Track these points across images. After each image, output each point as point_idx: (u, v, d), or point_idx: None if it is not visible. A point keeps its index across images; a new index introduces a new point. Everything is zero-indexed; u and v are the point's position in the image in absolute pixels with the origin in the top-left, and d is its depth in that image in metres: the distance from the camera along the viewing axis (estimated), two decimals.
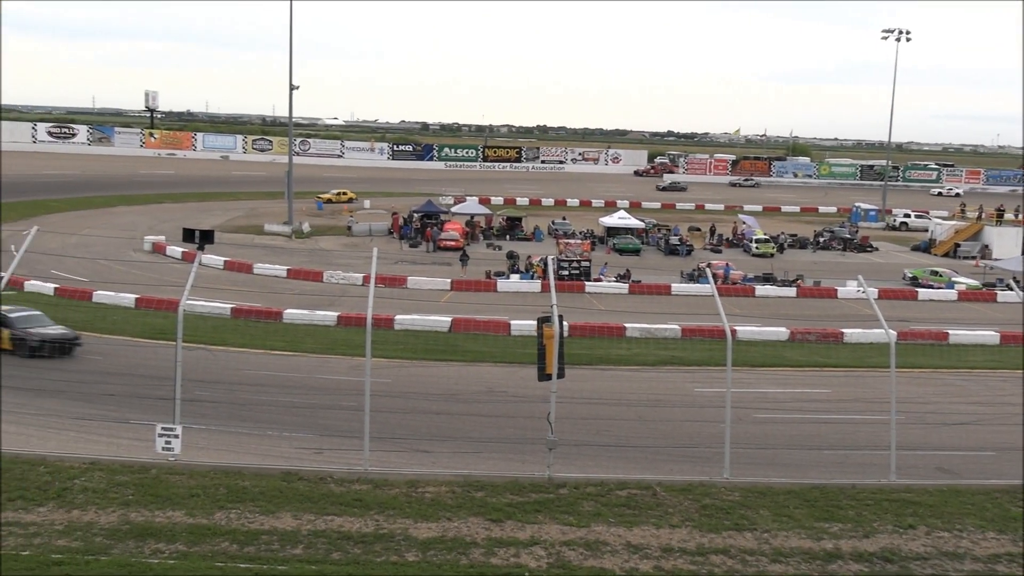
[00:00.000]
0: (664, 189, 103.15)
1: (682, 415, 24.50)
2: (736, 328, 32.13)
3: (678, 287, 45.90)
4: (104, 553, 13.76)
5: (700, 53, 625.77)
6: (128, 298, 36.58)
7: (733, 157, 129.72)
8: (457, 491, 16.91)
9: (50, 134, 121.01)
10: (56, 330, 28.53)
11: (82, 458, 17.95)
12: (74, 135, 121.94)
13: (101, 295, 37.25)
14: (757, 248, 59.54)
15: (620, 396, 25.94)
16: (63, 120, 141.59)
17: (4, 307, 28.08)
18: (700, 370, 29.53)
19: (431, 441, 20.95)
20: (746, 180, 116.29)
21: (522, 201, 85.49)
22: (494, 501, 16.45)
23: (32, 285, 37.67)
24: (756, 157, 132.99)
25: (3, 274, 19.90)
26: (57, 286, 38.29)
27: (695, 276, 48.37)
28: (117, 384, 24.99)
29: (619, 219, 63.19)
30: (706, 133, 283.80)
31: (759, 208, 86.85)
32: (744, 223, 66.33)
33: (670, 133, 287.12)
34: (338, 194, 78.82)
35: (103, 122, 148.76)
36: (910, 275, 51.87)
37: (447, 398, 25.17)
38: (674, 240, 59.99)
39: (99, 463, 17.69)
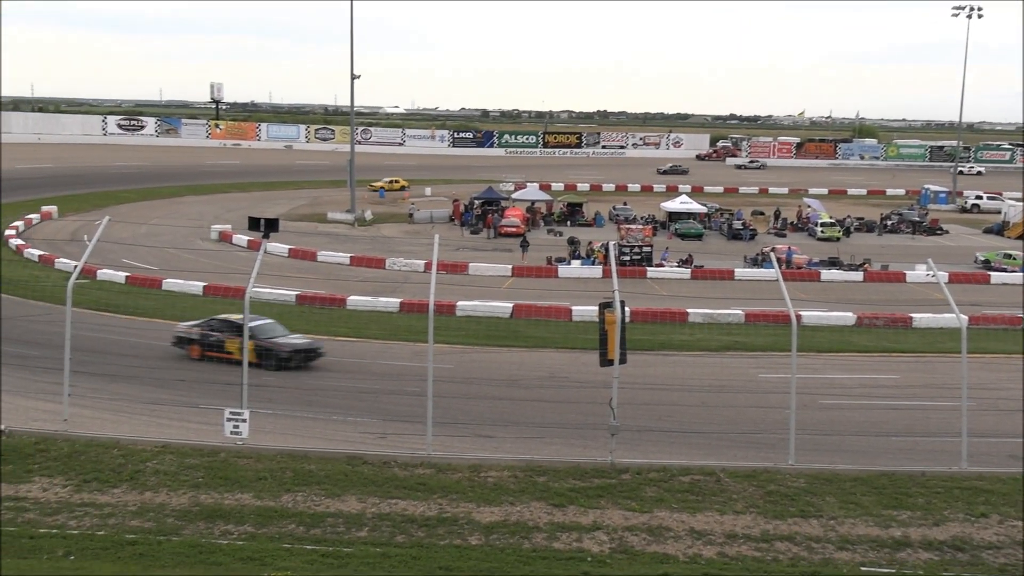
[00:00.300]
0: (665, 172, 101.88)
1: (746, 401, 24.23)
2: (801, 313, 31.65)
3: (741, 272, 45.35)
4: (175, 534, 14.11)
5: (764, 34, 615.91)
6: (196, 286, 37.32)
7: (797, 139, 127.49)
8: (519, 476, 16.98)
9: (120, 127, 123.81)
10: (298, 339, 27.00)
11: (154, 441, 18.42)
12: (143, 127, 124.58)
13: (170, 283, 38.05)
14: (823, 232, 58.50)
15: (682, 382, 25.75)
16: (132, 113, 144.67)
17: (233, 315, 26.35)
18: (764, 356, 29.17)
19: (493, 426, 21.04)
20: (751, 163, 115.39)
21: (583, 187, 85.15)
22: (556, 486, 16.49)
23: (104, 274, 38.62)
24: (821, 139, 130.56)
25: (77, 263, 20.46)
26: (128, 274, 39.20)
27: (759, 261, 47.73)
28: (186, 370, 25.54)
29: (681, 204, 62.57)
30: (769, 116, 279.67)
31: (824, 191, 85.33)
32: (809, 206, 65.21)
33: (732, 116, 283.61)
34: (390, 182, 79.18)
35: (170, 114, 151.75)
36: (982, 258, 50.48)
37: (509, 384, 25.24)
38: (737, 224, 59.22)
39: (170, 446, 18.13)
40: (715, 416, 22.80)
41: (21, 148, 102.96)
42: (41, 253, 43.92)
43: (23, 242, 46.98)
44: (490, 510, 15.34)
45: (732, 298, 37.30)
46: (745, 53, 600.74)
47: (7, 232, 49.05)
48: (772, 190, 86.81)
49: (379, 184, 77.44)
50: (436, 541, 14.14)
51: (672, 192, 78.95)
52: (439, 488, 16.23)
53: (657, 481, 16.88)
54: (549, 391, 24.57)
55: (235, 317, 25.98)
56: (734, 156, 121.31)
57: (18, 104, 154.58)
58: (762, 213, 65.78)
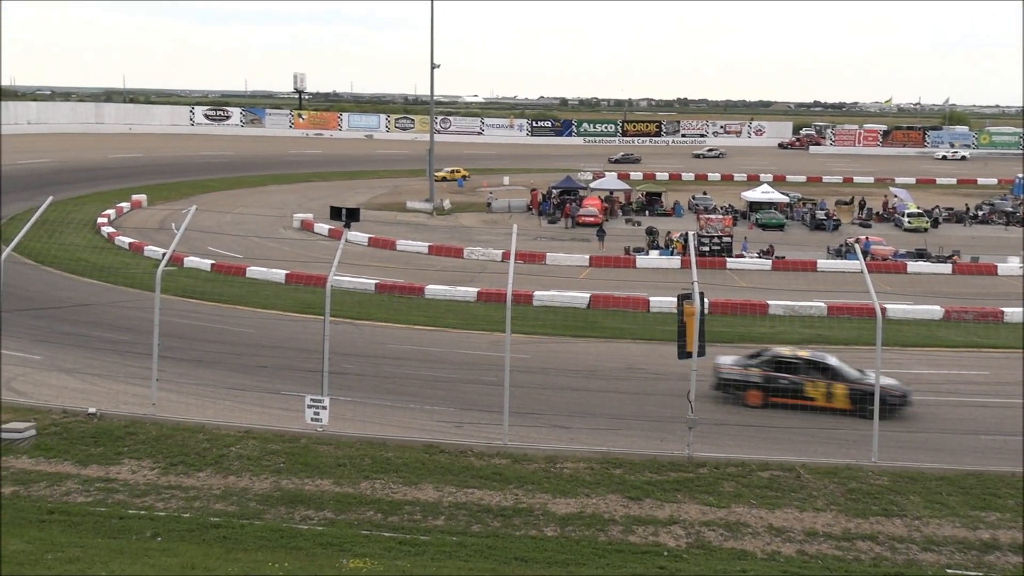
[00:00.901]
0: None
1: None
2: (886, 306, 30.88)
3: (824, 263, 44.42)
4: (257, 518, 14.42)
5: (848, 17, 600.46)
6: (279, 274, 38.08)
7: (884, 127, 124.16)
8: (595, 467, 16.94)
9: (207, 117, 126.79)
10: (885, 380, 20.27)
11: (237, 427, 18.85)
12: (228, 117, 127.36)
13: (254, 271, 38.87)
14: (909, 223, 56.93)
15: None
16: (218, 103, 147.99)
17: (785, 349, 23.57)
18: (847, 349, 28.46)
19: (569, 417, 21.02)
20: (710, 151, 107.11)
21: (662, 176, 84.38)
22: (633, 479, 16.40)
23: (191, 261, 39.64)
24: (909, 127, 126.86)
25: (166, 251, 21.03)
26: (213, 262, 40.17)
27: (842, 252, 46.69)
28: (269, 356, 26.09)
29: (762, 193, 61.55)
30: (855, 103, 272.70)
31: (912, 180, 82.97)
32: (896, 196, 63.52)
33: (816, 103, 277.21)
34: (452, 171, 78.82)
35: (255, 104, 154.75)
36: None
37: (585, 374, 25.18)
38: (820, 214, 57.99)
39: (253, 432, 18.53)
40: (794, 411, 22.38)
41: (114, 138, 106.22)
42: (131, 241, 45.26)
43: (114, 230, 48.48)
44: (566, 501, 15.34)
45: (814, 290, 36.55)
46: (830, 37, 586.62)
47: (99, 220, 50.64)
48: (857, 179, 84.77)
49: (440, 174, 76.92)
50: (512, 531, 14.19)
51: (753, 181, 77.68)
52: (515, 478, 16.28)
53: (735, 476, 16.66)
54: (626, 383, 24.45)
55: (801, 353, 23.28)
56: (818, 144, 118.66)
57: (111, 95, 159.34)
58: (847, 203, 64.33)
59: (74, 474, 16.18)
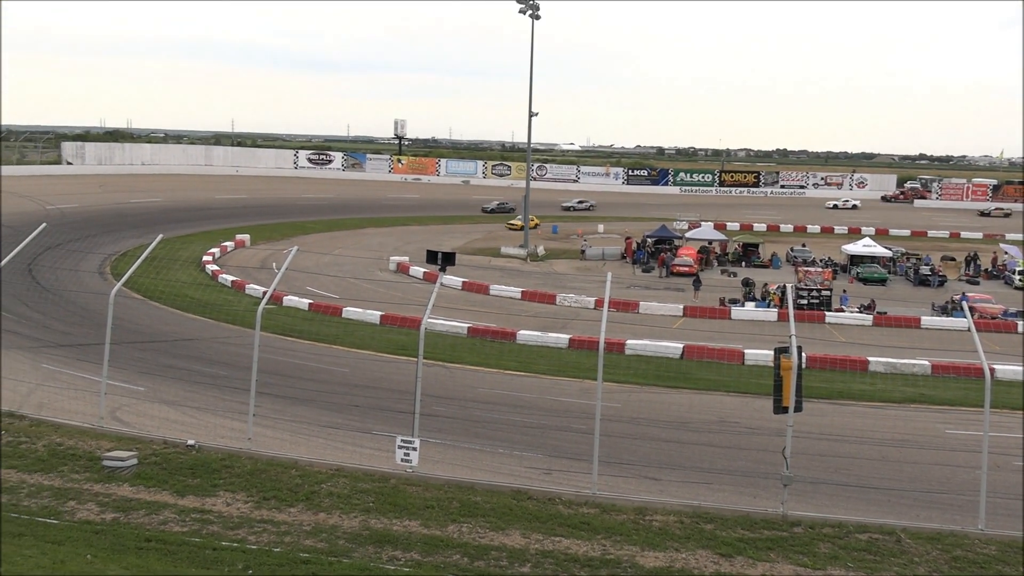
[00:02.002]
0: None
1: (931, 458, 22.82)
2: (995, 366, 29.66)
3: (929, 320, 43.03)
4: (346, 556, 14.52)
5: (957, 63, 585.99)
6: (374, 315, 38.70)
7: (995, 182, 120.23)
8: (686, 521, 16.58)
9: (310, 160, 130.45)
10: None
11: (329, 464, 19.08)
12: (330, 161, 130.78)
13: (350, 311, 39.59)
14: (1021, 280, 54.79)
15: (861, 433, 24.54)
16: (321, 147, 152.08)
17: None
18: (952, 410, 27.47)
19: (660, 469, 20.68)
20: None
21: (759, 227, 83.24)
22: (724, 535, 15.99)
23: (289, 300, 40.61)
24: (1022, 181, 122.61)
25: (266, 289, 21.60)
26: (311, 301, 41.07)
27: (948, 309, 45.15)
28: (362, 396, 26.42)
29: (864, 247, 60.13)
30: (963, 156, 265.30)
31: (1021, 237, 79.99)
32: (1006, 253, 61.29)
33: (922, 156, 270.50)
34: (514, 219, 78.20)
35: (356, 149, 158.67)
36: None
37: (677, 426, 24.78)
38: (925, 270, 56.31)
39: (344, 470, 18.73)
40: (896, 472, 21.58)
41: (221, 180, 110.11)
42: (234, 279, 46.65)
43: (218, 268, 50.07)
44: (654, 555, 15.03)
45: (917, 348, 35.39)
46: (937, 85, 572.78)
47: (204, 258, 52.38)
48: (964, 235, 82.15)
49: (513, 222, 77.01)
50: None
51: (855, 235, 75.96)
52: (603, 529, 16.04)
53: (832, 537, 16.09)
54: (719, 436, 23.96)
55: None
56: (923, 198, 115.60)
57: (219, 138, 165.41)
58: (952, 259, 62.36)
59: (172, 504, 16.58)
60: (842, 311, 44.63)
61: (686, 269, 55.24)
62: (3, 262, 22.64)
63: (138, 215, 67.06)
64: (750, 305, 45.65)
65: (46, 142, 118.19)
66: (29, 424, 20.92)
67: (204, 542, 14.76)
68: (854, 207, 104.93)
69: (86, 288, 40.94)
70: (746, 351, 33.36)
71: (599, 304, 42.04)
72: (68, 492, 17.13)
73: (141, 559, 13.31)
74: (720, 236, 65.46)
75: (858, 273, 56.13)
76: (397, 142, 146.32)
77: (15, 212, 64.39)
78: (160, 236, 22.50)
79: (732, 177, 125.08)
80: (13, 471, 18.25)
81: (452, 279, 48.32)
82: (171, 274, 44.62)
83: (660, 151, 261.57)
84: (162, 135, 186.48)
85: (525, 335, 36.03)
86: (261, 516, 16.12)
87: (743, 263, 61.00)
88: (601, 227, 78.09)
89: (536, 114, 64.31)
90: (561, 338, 35.61)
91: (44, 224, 24.17)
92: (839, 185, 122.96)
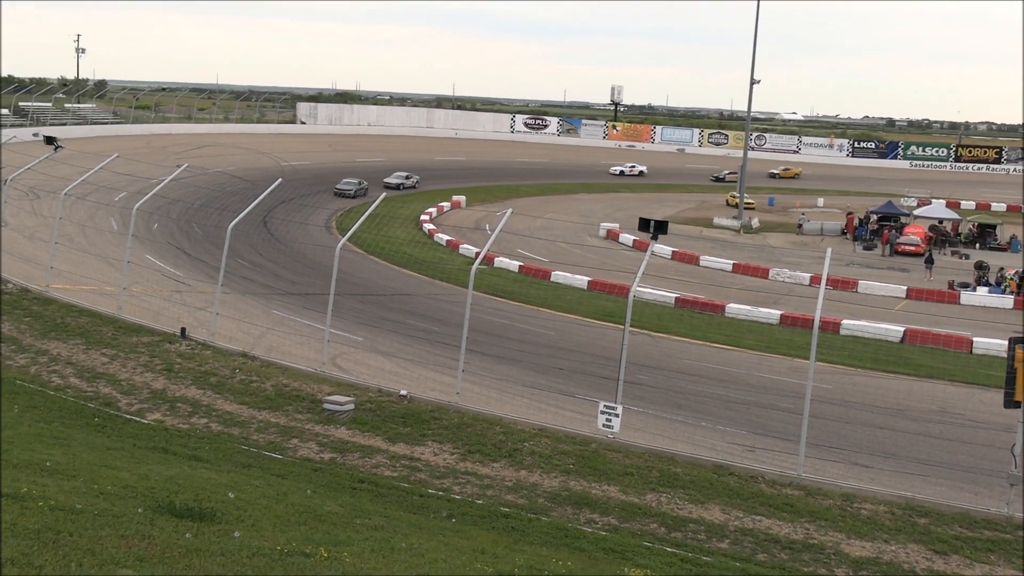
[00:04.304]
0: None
1: None
2: None
3: None
4: (545, 514, 14.81)
5: None
6: (582, 280, 38.94)
7: None
8: (897, 513, 15.81)
9: (526, 125, 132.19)
10: None
11: (532, 423, 19.47)
12: (546, 126, 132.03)
13: (558, 275, 40.01)
14: None
15: None
16: (537, 112, 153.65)
17: None
18: None
19: (872, 456, 19.75)
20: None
21: (998, 207, 77.15)
22: (939, 531, 15.13)
23: (500, 262, 41.49)
24: None
25: (479, 250, 22.19)
26: (521, 264, 41.80)
27: None
28: (566, 359, 26.71)
29: None
30: None
31: None
32: None
33: None
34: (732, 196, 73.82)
35: (572, 114, 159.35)
36: None
37: (893, 413, 23.55)
38: None
39: (546, 430, 19.06)
40: None
41: (440, 142, 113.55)
42: (448, 238, 48.15)
43: (434, 227, 51.82)
44: (861, 544, 14.44)
45: None
46: None
47: (422, 217, 54.39)
48: None
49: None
50: (799, 567, 13.57)
51: None
52: (807, 512, 15.56)
53: None
54: (938, 427, 22.58)
55: None
56: None
57: (441, 102, 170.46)
58: None
59: (383, 449, 17.46)
60: None
61: (912, 248, 52.14)
62: (241, 215, 24.47)
63: (361, 173, 70.25)
64: (983, 290, 42.54)
65: (283, 103, 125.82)
66: (260, 365, 22.56)
67: (412, 488, 15.46)
68: None
69: (314, 241, 43.45)
70: (975, 339, 31.18)
71: (815, 281, 40.42)
72: (292, 430, 18.40)
73: (354, 499, 14.10)
74: (953, 215, 61.23)
75: None
76: (613, 108, 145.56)
77: (254, 167, 69.13)
78: (383, 194, 23.54)
79: (970, 152, 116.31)
80: (244, 407, 19.78)
81: (662, 248, 47.78)
82: (390, 231, 46.60)
83: (890, 122, 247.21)
84: (387, 97, 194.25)
85: (734, 308, 35.23)
86: (465, 468, 16.69)
87: (977, 245, 56.85)
88: (821, 201, 74.90)
89: (758, 81, 62.29)
90: (772, 313, 34.56)
91: (279, 180, 25.83)
92: None
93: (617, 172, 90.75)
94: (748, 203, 67.26)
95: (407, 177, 72.84)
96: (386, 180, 72.58)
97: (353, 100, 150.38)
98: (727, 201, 72.35)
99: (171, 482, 11.35)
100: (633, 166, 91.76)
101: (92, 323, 25.36)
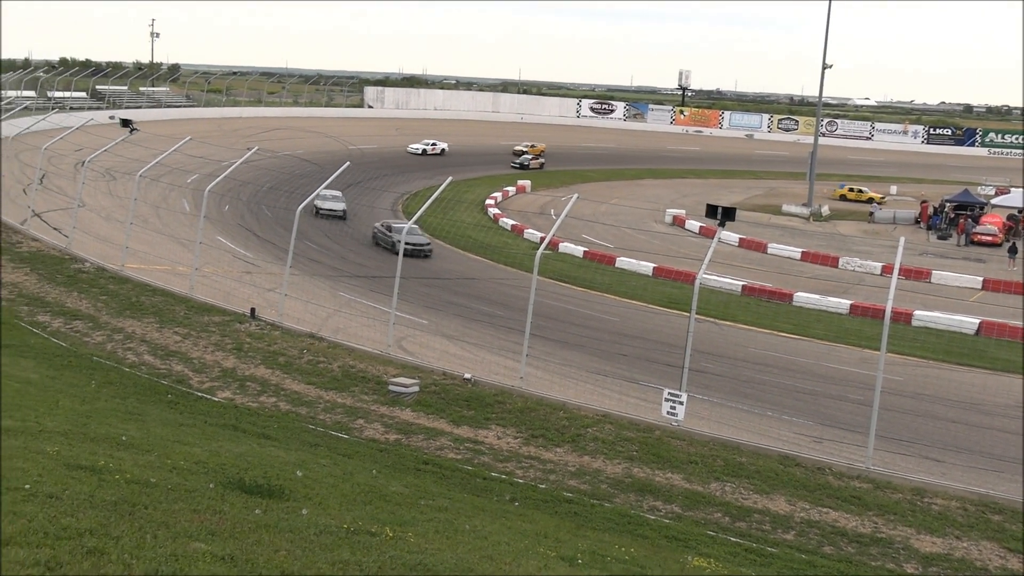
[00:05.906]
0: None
1: None
2: None
3: None
4: (607, 500, 14.79)
5: None
6: (647, 266, 38.66)
7: None
8: (969, 509, 15.44)
9: (592, 110, 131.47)
10: None
11: (595, 409, 19.43)
12: (612, 111, 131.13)
13: (623, 261, 39.78)
14: None
15: None
16: (604, 97, 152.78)
17: None
18: None
19: (943, 450, 19.31)
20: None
21: None
22: (1014, 529, 14.75)
23: (565, 247, 41.39)
24: None
25: (544, 235, 22.15)
26: (586, 249, 41.65)
27: None
28: (630, 346, 26.57)
29: None
30: None
31: None
32: None
33: None
34: (851, 190, 71.51)
35: (638, 99, 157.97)
36: None
37: (966, 407, 22.97)
38: None
39: (609, 416, 19.01)
40: None
41: (506, 126, 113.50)
42: (513, 223, 48.18)
43: (499, 211, 51.89)
44: (931, 540, 14.15)
45: None
46: None
47: (487, 201, 54.50)
48: None
49: (841, 192, 69.95)
50: (867, 561, 13.36)
51: None
52: (875, 505, 15.28)
53: None
54: (1015, 422, 21.94)
55: None
56: None
57: (507, 86, 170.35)
58: None
59: (448, 431, 17.59)
60: None
61: (989, 239, 50.73)
62: (310, 198, 24.76)
63: (428, 157, 70.61)
64: None
65: (351, 87, 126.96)
66: (327, 346, 22.87)
67: (475, 471, 15.56)
68: None
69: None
70: None
71: (887, 270, 39.59)
72: (358, 411, 18.63)
73: (419, 479, 14.24)
74: None
75: None
76: (680, 93, 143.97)
77: (322, 151, 69.92)
78: (449, 179, 23.63)
79: None
80: (312, 387, 20.09)
81: (728, 235, 47.15)
82: (456, 215, 46.76)
83: (968, 108, 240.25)
84: (453, 82, 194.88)
85: (802, 297, 34.66)
86: (529, 452, 16.73)
87: None
88: (894, 188, 73.23)
89: (830, 66, 61.01)
90: (842, 303, 33.94)
91: (347, 163, 26.08)
92: None
93: (419, 151, 76.53)
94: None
95: (432, 144, 71.93)
96: (409, 147, 72.07)
97: (420, 84, 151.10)
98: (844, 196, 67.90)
99: (241, 459, 11.58)
100: (435, 143, 78.47)
101: (165, 302, 25.96)
